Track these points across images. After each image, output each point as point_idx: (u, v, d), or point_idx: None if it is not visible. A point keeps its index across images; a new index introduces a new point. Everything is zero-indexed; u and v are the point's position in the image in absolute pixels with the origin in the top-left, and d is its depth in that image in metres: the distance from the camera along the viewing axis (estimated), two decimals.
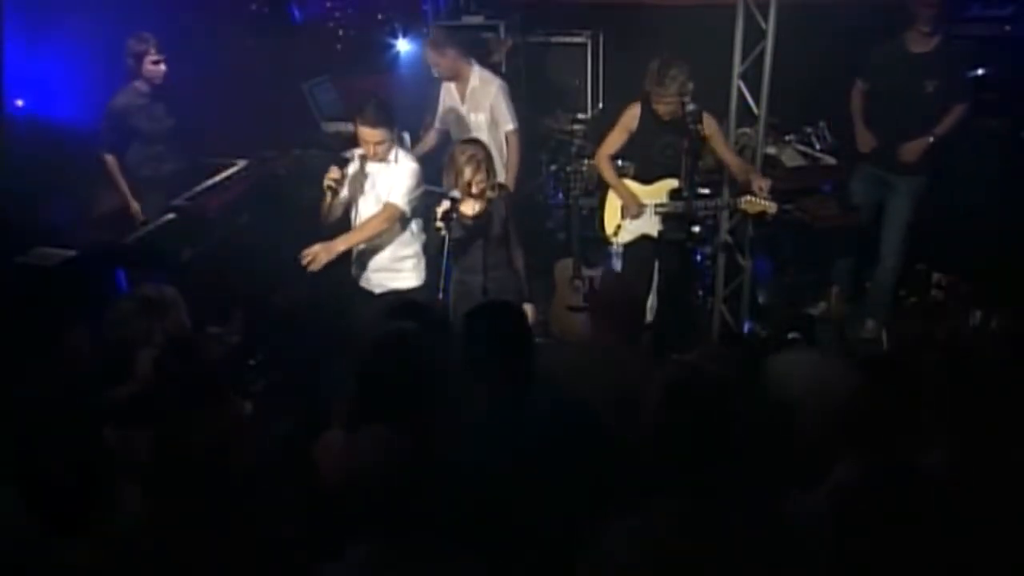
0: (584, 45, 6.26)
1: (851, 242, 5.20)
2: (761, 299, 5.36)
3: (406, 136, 5.22)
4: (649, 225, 4.58)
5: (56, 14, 5.07)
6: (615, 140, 4.56)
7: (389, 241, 4.07)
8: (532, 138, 5.72)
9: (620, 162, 4.82)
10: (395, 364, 2.42)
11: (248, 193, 5.05)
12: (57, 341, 3.33)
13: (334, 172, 3.88)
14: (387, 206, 3.92)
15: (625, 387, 2.64)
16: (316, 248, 3.80)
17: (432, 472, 2.08)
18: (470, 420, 2.53)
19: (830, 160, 5.45)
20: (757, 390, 2.36)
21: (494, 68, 5.45)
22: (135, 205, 5.04)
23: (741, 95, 4.68)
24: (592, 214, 4.93)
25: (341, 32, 6.59)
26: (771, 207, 4.29)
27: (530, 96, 6.03)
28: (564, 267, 4.88)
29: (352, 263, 4.17)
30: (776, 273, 5.59)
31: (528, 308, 3.86)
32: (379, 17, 6.54)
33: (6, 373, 3.21)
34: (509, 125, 4.92)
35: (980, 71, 5.23)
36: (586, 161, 5.85)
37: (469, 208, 3.89)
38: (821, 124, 5.60)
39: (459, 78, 4.95)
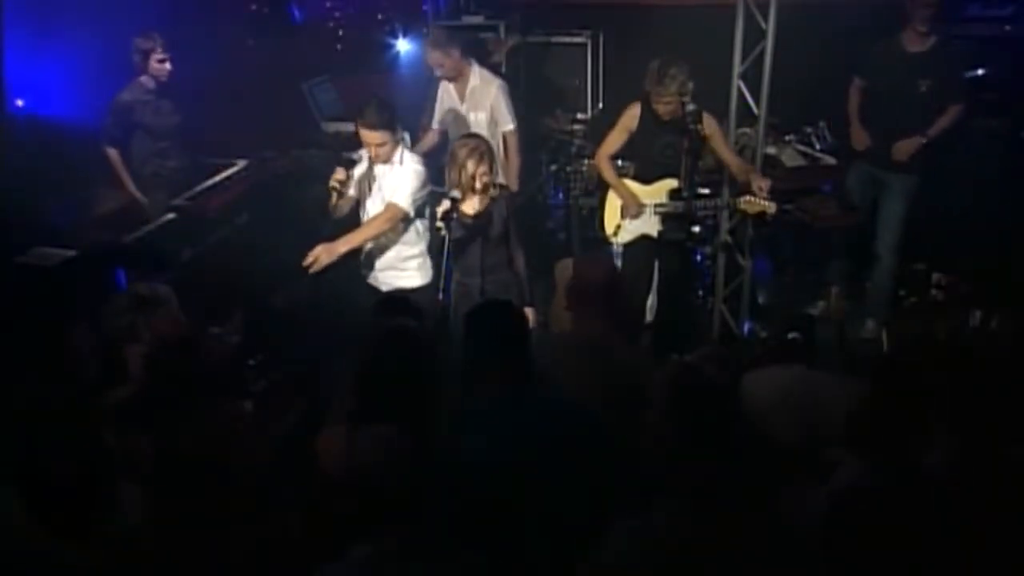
0: (584, 45, 6.26)
1: (851, 242, 5.20)
2: (761, 299, 5.36)
3: (406, 136, 5.22)
4: (649, 225, 4.58)
5: (56, 14, 5.08)
6: (615, 140, 4.56)
7: (395, 241, 4.07)
8: (532, 138, 5.72)
9: (620, 162, 4.82)
10: (394, 361, 2.43)
11: (248, 193, 5.05)
12: (57, 341, 3.33)
13: (339, 173, 3.88)
14: (389, 206, 3.92)
15: (624, 386, 2.65)
16: (318, 250, 3.80)
17: (432, 470, 2.08)
18: (469, 420, 2.53)
19: (830, 160, 5.45)
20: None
21: (494, 68, 5.45)
22: (140, 197, 5.05)
23: (741, 95, 4.68)
24: (592, 214, 4.93)
25: (341, 32, 6.59)
26: (771, 207, 4.29)
27: (530, 96, 6.03)
28: (564, 267, 4.88)
29: (361, 262, 4.18)
30: (776, 273, 5.59)
31: (528, 312, 3.84)
32: (379, 17, 6.54)
33: (6, 373, 3.21)
34: (508, 125, 4.93)
35: (980, 71, 5.24)
36: (586, 161, 5.85)
37: (470, 207, 3.88)
38: (821, 124, 5.60)
39: (460, 78, 4.95)
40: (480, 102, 4.93)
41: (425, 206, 4.06)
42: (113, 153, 5.01)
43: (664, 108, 4.31)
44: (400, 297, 3.59)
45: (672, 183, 4.50)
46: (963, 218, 5.04)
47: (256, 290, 4.52)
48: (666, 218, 4.54)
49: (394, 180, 3.96)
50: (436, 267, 3.92)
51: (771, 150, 5.30)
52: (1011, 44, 5.37)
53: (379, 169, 3.98)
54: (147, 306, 2.89)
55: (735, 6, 4.53)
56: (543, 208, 6.23)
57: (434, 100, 5.11)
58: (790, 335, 3.31)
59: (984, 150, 5.27)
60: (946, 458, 2.16)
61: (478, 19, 6.20)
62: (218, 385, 2.70)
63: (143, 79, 4.97)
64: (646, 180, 4.56)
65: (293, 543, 2.06)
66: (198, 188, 4.85)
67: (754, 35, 4.53)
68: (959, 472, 2.11)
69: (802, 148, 5.53)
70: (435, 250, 4.02)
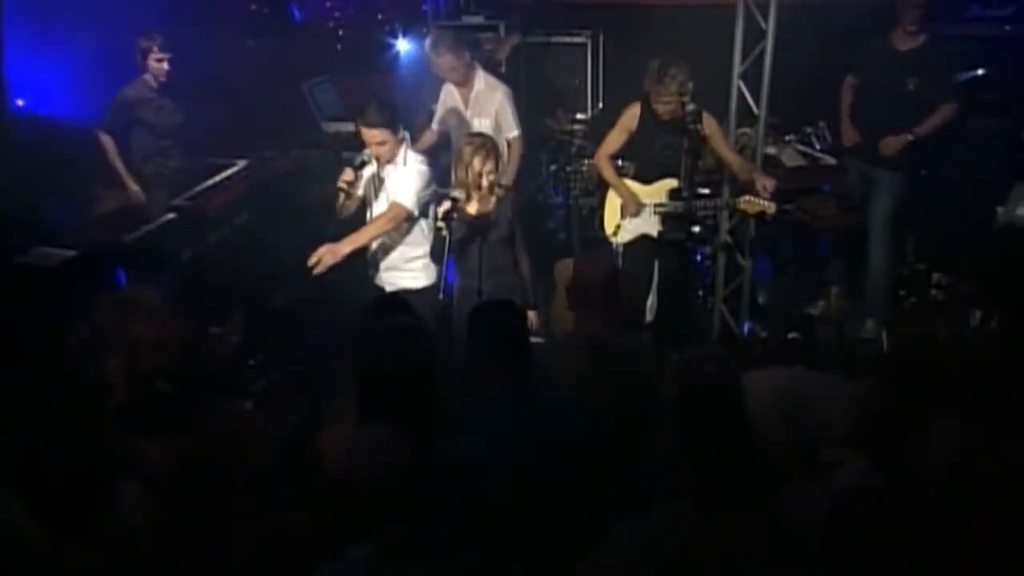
0: (584, 45, 6.26)
1: (851, 242, 5.20)
2: (761, 299, 5.36)
3: (407, 136, 5.22)
4: (649, 225, 4.58)
5: (56, 14, 5.08)
6: (615, 140, 4.56)
7: (399, 240, 4.06)
8: (532, 138, 5.72)
9: (620, 162, 4.82)
10: (394, 361, 2.43)
11: (248, 193, 5.06)
12: (57, 341, 3.33)
13: (348, 174, 3.87)
14: (392, 206, 3.91)
15: (624, 386, 2.65)
16: (322, 250, 3.79)
17: (432, 470, 2.08)
18: (469, 419, 2.53)
19: (830, 160, 5.46)
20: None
21: (495, 68, 5.45)
22: (133, 187, 5.05)
23: (741, 95, 4.68)
24: (592, 214, 4.93)
25: (341, 32, 6.59)
26: (770, 207, 4.29)
27: (530, 96, 6.03)
28: (564, 267, 4.88)
29: (365, 262, 4.17)
30: (776, 273, 5.60)
31: (531, 315, 3.84)
32: (379, 17, 6.54)
33: (6, 373, 3.21)
34: (513, 132, 4.91)
35: (980, 71, 5.24)
36: (586, 161, 5.85)
37: (473, 208, 3.88)
38: (821, 124, 5.60)
39: (466, 82, 4.94)
40: (485, 108, 4.91)
41: (429, 206, 4.06)
42: (107, 140, 5.01)
43: (664, 108, 4.31)
44: (393, 297, 3.59)
45: (672, 183, 4.50)
46: (963, 218, 5.04)
47: (256, 290, 4.52)
48: (666, 218, 4.54)
49: (398, 180, 3.95)
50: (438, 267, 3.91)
51: (771, 150, 5.31)
52: (1011, 44, 5.37)
53: (385, 169, 3.98)
54: (127, 311, 2.86)
55: (735, 6, 4.53)
56: (543, 208, 6.23)
57: (434, 100, 5.10)
58: (790, 335, 3.31)
59: (984, 150, 5.27)
60: (946, 458, 2.16)
61: (478, 19, 6.20)
62: (218, 385, 2.70)
63: (147, 77, 4.99)
64: (646, 180, 4.56)
65: (293, 543, 2.06)
66: (198, 188, 4.85)
67: (754, 35, 4.53)
68: (959, 472, 2.10)
69: (802, 148, 5.53)
70: (436, 250, 4.02)
